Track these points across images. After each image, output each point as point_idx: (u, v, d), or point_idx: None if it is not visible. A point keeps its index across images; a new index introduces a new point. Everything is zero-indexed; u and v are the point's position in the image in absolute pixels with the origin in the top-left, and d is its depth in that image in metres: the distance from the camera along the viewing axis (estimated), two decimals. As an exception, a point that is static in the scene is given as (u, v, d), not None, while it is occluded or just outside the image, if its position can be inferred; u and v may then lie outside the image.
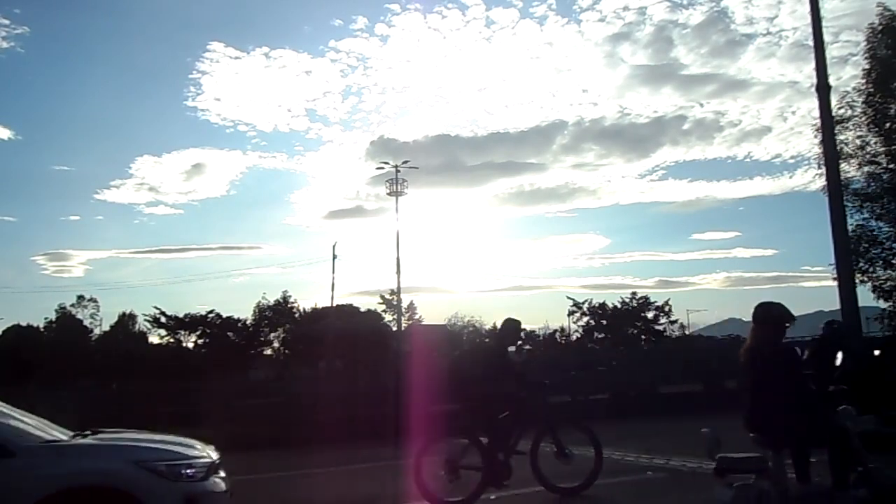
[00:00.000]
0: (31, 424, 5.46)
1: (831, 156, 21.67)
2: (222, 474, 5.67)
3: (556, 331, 66.51)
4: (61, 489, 4.90)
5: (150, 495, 5.07)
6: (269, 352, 58.30)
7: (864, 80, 26.28)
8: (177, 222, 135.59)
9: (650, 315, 59.78)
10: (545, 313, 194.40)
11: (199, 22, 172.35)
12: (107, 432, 5.90)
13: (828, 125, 21.59)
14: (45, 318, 67.20)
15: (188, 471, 5.33)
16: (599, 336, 60.91)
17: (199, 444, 5.83)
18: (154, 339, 57.58)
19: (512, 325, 8.28)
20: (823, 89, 20.63)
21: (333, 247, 51.48)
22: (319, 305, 57.00)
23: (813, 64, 19.94)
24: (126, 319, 67.04)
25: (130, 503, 5.02)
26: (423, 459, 7.68)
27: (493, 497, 7.88)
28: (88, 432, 5.75)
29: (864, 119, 26.26)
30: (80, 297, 69.84)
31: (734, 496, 5.23)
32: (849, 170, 26.09)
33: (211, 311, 54.30)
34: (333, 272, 50.83)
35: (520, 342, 9.25)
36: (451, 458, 7.67)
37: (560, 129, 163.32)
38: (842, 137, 25.09)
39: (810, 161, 32.74)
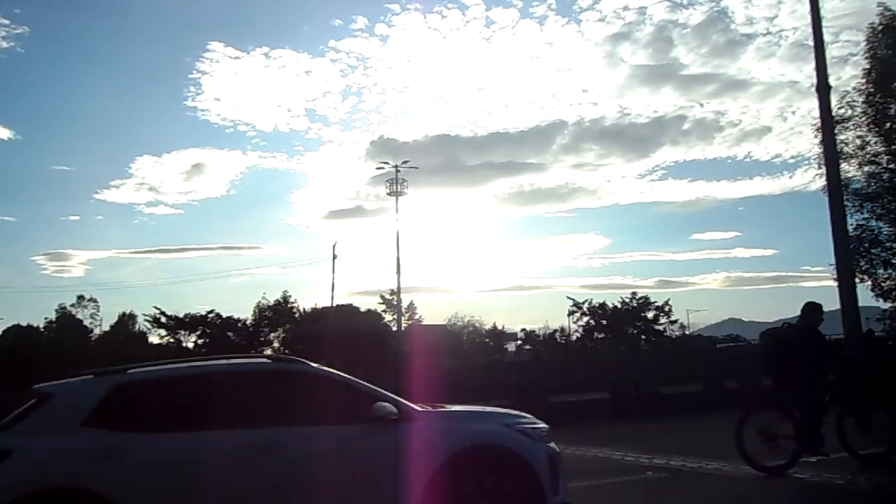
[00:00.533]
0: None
1: (831, 156, 21.63)
2: None
3: (556, 331, 66.55)
4: (466, 446, 5.68)
5: (529, 453, 5.77)
6: (269, 352, 58.34)
7: (864, 80, 26.26)
8: (177, 222, 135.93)
9: (650, 315, 59.82)
10: (545, 313, 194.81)
11: (199, 22, 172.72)
12: (442, 405, 6.42)
13: (828, 125, 21.54)
14: (45, 318, 67.23)
15: (543, 433, 6.05)
16: (599, 336, 60.98)
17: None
18: (154, 339, 57.67)
19: (816, 307, 9.11)
20: (823, 89, 20.57)
21: (333, 247, 51.48)
22: (319, 305, 57.10)
23: (813, 64, 19.88)
24: (126, 319, 67.05)
25: (515, 459, 5.73)
26: (744, 429, 8.43)
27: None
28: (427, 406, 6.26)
29: (864, 119, 26.24)
30: (80, 297, 69.89)
31: None
32: (849, 170, 26.09)
33: (211, 311, 54.42)
34: (333, 272, 50.84)
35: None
36: (768, 428, 8.43)
37: (560, 129, 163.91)
38: (842, 137, 25.07)
39: (810, 161, 32.79)
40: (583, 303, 60.58)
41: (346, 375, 6.14)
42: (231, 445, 5.35)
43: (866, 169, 26.56)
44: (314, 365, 6.02)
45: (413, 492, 5.45)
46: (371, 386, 5.95)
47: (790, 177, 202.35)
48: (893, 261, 26.43)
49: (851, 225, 24.19)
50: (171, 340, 54.58)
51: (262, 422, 5.51)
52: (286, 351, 57.52)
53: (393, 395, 5.90)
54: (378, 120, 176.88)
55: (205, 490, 5.27)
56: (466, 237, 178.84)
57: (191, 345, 54.93)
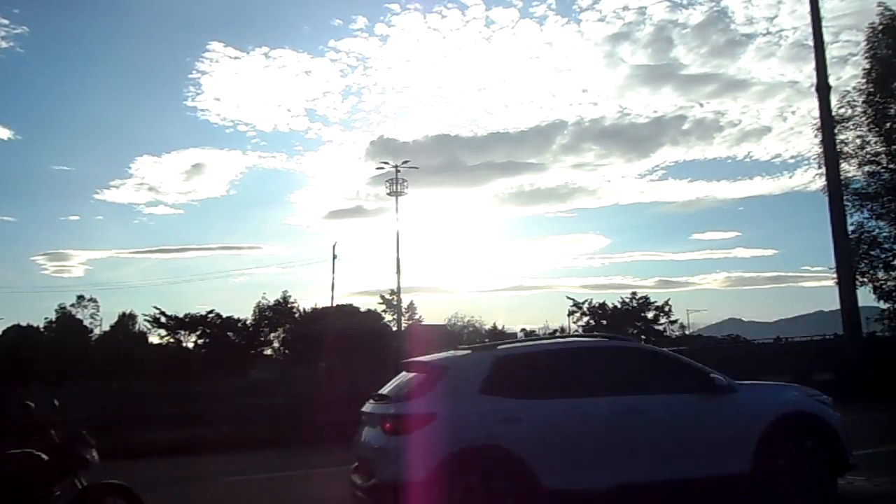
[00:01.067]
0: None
1: (831, 156, 21.58)
2: None
3: (556, 331, 66.54)
4: (786, 412, 6.65)
5: (833, 419, 6.75)
6: (269, 352, 58.27)
7: (864, 80, 26.24)
8: (177, 222, 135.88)
9: (650, 315, 59.78)
10: (545, 313, 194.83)
11: (198, 22, 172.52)
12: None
13: (828, 125, 21.50)
14: (45, 318, 67.20)
15: (832, 403, 6.96)
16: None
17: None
18: (154, 339, 57.56)
19: None
20: (823, 89, 20.53)
21: (333, 247, 51.46)
22: (319, 305, 57.00)
23: (813, 64, 19.84)
24: (126, 319, 67.00)
25: (824, 425, 6.69)
26: None
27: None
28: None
29: (864, 119, 26.22)
30: (80, 297, 69.85)
31: None
32: (849, 169, 26.08)
33: (211, 311, 54.22)
34: (333, 272, 50.82)
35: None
36: None
37: (560, 129, 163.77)
38: (842, 137, 25.06)
39: (810, 161, 32.74)
40: (583, 303, 60.53)
41: (676, 353, 7.06)
42: (602, 410, 6.27)
43: (866, 169, 26.56)
44: (646, 344, 7.26)
45: (746, 449, 6.38)
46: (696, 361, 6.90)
47: (790, 177, 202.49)
48: (893, 262, 26.41)
49: (851, 225, 24.18)
50: (171, 340, 54.51)
51: (622, 390, 6.43)
52: (286, 351, 57.55)
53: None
54: (378, 120, 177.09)
55: (586, 448, 6.16)
56: (466, 237, 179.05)
57: (191, 345, 54.87)
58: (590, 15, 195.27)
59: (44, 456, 5.81)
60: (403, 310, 58.39)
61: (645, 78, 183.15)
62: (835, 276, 21.32)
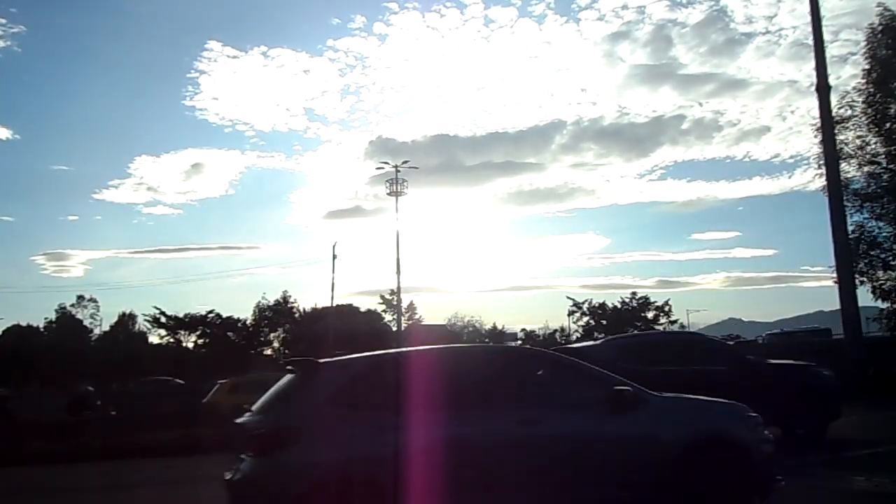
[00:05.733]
0: None
1: (831, 156, 21.58)
2: None
3: (556, 331, 66.59)
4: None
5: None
6: (269, 352, 58.32)
7: (864, 80, 26.22)
8: (176, 222, 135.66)
9: (650, 315, 59.85)
10: (545, 313, 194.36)
11: (197, 21, 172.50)
12: None
13: (828, 125, 21.50)
14: (45, 318, 67.33)
15: None
16: (599, 336, 61.00)
17: None
18: (154, 339, 57.65)
19: None
20: (823, 89, 20.54)
21: (333, 247, 51.40)
22: (319, 305, 57.05)
23: (812, 63, 19.83)
24: (126, 319, 67.06)
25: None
26: None
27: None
28: None
29: (864, 119, 26.20)
30: (80, 297, 69.92)
31: None
32: (849, 170, 26.04)
33: (211, 311, 54.33)
34: (333, 272, 50.76)
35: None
36: None
37: (559, 129, 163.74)
38: (842, 137, 25.04)
39: (810, 161, 32.69)
40: (583, 303, 60.69)
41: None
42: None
43: (866, 169, 26.51)
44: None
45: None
46: None
47: (789, 177, 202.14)
48: (892, 262, 26.40)
49: (851, 225, 24.17)
50: (171, 340, 54.55)
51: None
52: (286, 351, 57.57)
53: None
54: (377, 119, 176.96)
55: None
56: (466, 237, 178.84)
57: (191, 345, 54.91)
58: (589, 14, 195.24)
59: None
60: (403, 310, 58.45)
61: (644, 77, 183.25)
62: (834, 276, 21.32)
